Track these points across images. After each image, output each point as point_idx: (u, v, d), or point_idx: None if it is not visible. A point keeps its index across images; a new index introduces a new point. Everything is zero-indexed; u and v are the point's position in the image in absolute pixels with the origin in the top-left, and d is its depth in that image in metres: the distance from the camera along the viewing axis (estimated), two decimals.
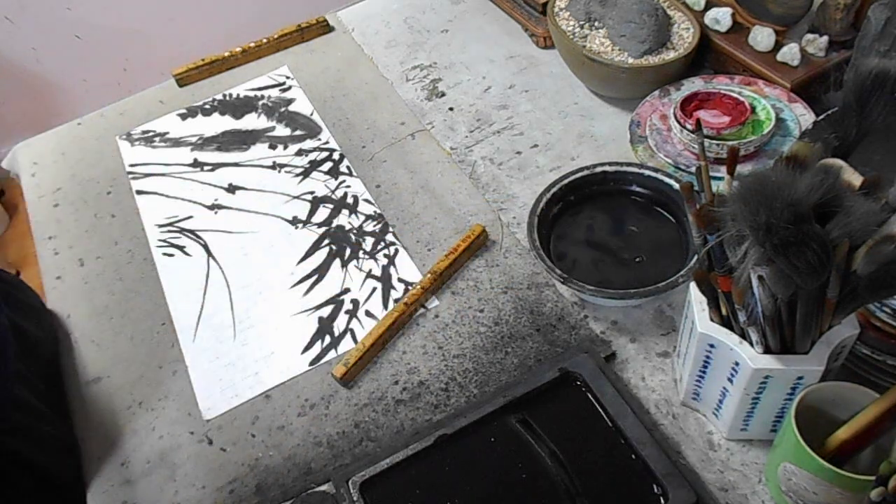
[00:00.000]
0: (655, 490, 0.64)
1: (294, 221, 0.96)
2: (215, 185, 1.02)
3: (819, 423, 0.60)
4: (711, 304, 0.62)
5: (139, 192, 1.02)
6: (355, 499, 0.67)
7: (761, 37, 0.93)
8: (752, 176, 0.52)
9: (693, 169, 0.86)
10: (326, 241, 0.93)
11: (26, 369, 0.80)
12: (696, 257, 0.70)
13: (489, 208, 0.93)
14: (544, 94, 1.07)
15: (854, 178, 0.55)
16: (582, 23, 1.02)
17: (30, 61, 2.05)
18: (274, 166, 1.03)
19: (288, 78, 1.16)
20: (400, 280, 0.87)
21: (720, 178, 0.79)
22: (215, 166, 1.05)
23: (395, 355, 0.81)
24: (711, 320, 0.62)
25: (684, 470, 0.66)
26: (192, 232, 0.96)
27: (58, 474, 0.79)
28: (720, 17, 0.96)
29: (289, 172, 1.02)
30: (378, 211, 0.95)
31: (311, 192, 0.99)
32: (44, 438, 0.79)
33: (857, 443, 0.58)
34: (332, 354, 0.82)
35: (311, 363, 0.81)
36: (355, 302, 0.86)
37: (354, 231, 0.93)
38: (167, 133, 1.10)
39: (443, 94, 1.09)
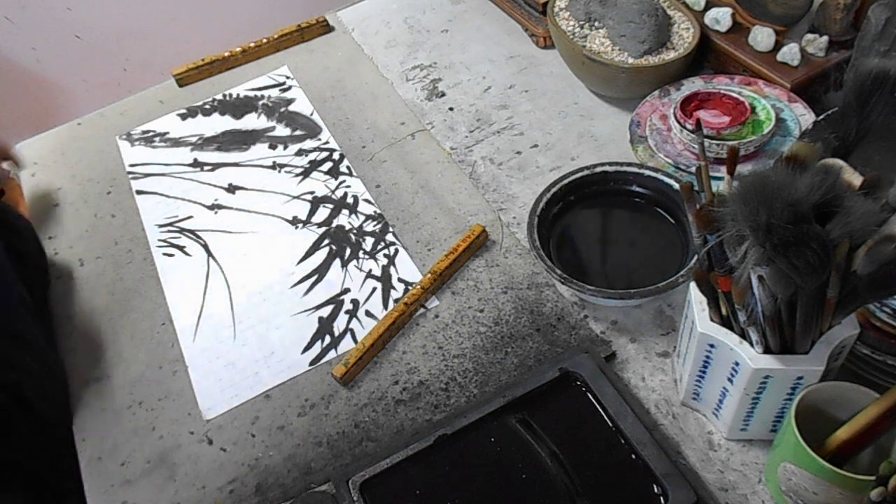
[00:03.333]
0: (655, 490, 0.64)
1: (294, 221, 0.96)
2: (215, 185, 1.02)
3: (819, 423, 0.60)
4: (711, 304, 0.62)
5: (139, 192, 1.02)
6: (355, 499, 0.67)
7: (761, 37, 0.93)
8: (752, 176, 0.52)
9: (693, 169, 0.86)
10: (326, 241, 0.93)
11: (27, 294, 0.79)
12: (696, 257, 0.70)
13: (489, 208, 0.93)
14: (544, 94, 1.07)
15: (854, 178, 0.55)
16: (582, 23, 1.02)
17: (30, 61, 2.04)
18: (274, 166, 1.03)
19: (288, 78, 1.16)
20: (400, 280, 0.87)
21: (720, 178, 0.79)
22: (215, 166, 1.05)
23: (395, 355, 0.81)
24: (711, 320, 0.62)
25: (684, 470, 0.66)
26: (192, 232, 0.96)
27: (48, 409, 0.79)
28: (720, 17, 0.96)
29: (289, 172, 1.02)
30: (378, 211, 0.95)
31: (311, 192, 0.99)
32: (37, 373, 0.78)
33: (857, 443, 0.58)
34: (332, 354, 0.82)
35: (311, 363, 0.81)
36: (355, 302, 0.86)
37: (354, 231, 0.93)
38: (167, 133, 1.10)
39: (443, 94, 1.09)
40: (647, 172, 0.84)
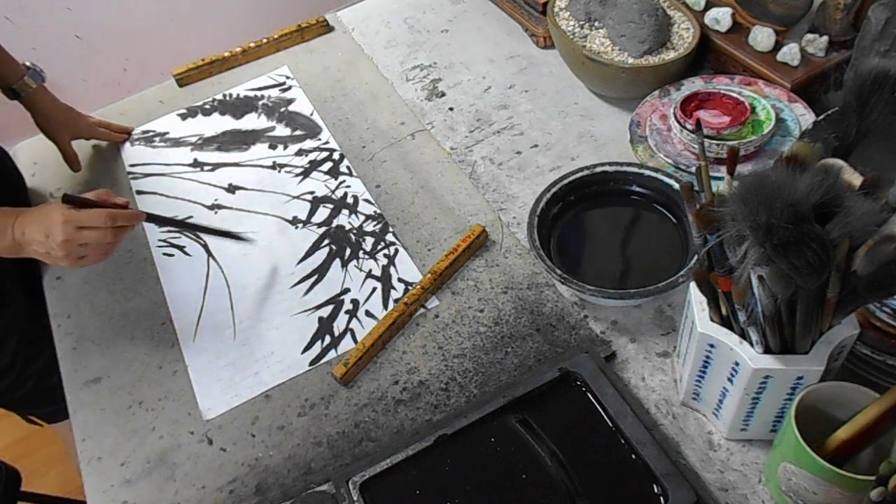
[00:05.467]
0: (655, 490, 0.64)
1: (294, 221, 0.96)
2: (215, 185, 1.02)
3: (819, 423, 0.60)
4: (711, 304, 0.62)
5: (139, 192, 1.02)
6: (355, 499, 0.67)
7: (761, 37, 0.93)
8: (752, 176, 0.52)
9: (693, 169, 0.86)
10: (326, 241, 0.93)
11: None
12: (696, 257, 0.70)
13: (489, 208, 0.93)
14: (544, 94, 1.07)
15: (854, 178, 0.55)
16: (582, 23, 1.02)
17: (30, 61, 2.05)
18: (274, 166, 1.03)
19: (288, 78, 1.16)
20: (400, 280, 0.87)
21: (720, 178, 0.79)
22: (215, 166, 1.05)
23: (395, 355, 0.81)
24: (711, 320, 0.62)
25: (684, 470, 0.66)
26: (192, 232, 0.96)
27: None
28: (720, 17, 0.96)
29: (289, 172, 1.02)
30: (378, 211, 0.95)
31: (311, 192, 0.99)
32: None
33: (857, 443, 0.58)
34: (332, 354, 0.82)
35: (311, 363, 0.81)
36: (355, 302, 0.86)
37: (354, 231, 0.93)
38: (167, 133, 1.10)
39: (443, 94, 1.09)
40: (647, 172, 0.84)
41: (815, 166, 0.55)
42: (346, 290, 0.87)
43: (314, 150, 1.05)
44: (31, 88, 1.00)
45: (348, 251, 0.91)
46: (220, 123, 1.11)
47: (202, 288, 0.90)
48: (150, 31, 2.10)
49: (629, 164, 0.85)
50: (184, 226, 0.93)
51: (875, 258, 0.51)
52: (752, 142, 0.84)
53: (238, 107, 1.13)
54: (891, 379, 0.65)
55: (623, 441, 0.68)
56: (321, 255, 0.91)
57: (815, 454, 0.56)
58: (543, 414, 0.71)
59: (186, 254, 0.94)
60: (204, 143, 1.08)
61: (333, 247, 0.92)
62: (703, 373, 0.66)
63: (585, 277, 0.77)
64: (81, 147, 1.10)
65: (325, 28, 1.24)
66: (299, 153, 1.04)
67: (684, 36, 0.99)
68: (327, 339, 0.83)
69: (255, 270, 0.91)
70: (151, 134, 1.11)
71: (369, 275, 0.88)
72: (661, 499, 0.64)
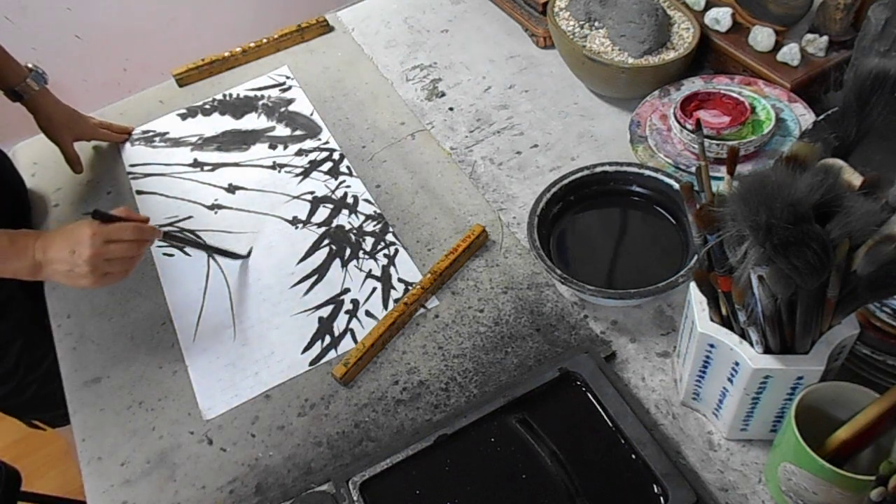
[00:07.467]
0: (655, 490, 0.64)
1: (294, 221, 0.96)
2: (215, 185, 1.02)
3: (819, 423, 0.60)
4: (711, 304, 0.62)
5: (139, 193, 1.02)
6: (355, 499, 0.67)
7: (761, 37, 0.93)
8: (752, 176, 0.52)
9: (693, 169, 0.86)
10: (326, 241, 0.93)
11: None
12: (696, 257, 0.70)
13: (489, 208, 0.93)
14: (544, 94, 1.07)
15: (854, 178, 0.55)
16: (582, 23, 1.02)
17: (30, 61, 2.05)
18: (274, 166, 1.03)
19: (288, 78, 1.16)
20: (400, 280, 0.87)
21: (720, 178, 0.79)
22: (215, 166, 1.05)
23: (395, 355, 0.81)
24: (711, 320, 0.62)
25: (684, 470, 0.66)
26: (192, 232, 0.96)
27: None
28: (720, 17, 0.96)
29: (289, 172, 1.02)
30: (378, 211, 0.95)
31: (311, 192, 0.99)
32: None
33: (857, 443, 0.58)
34: (332, 354, 0.82)
35: (311, 363, 0.81)
36: (355, 302, 0.86)
37: (354, 231, 0.93)
38: (167, 133, 1.10)
39: (443, 94, 1.09)
40: (647, 172, 0.84)
41: (815, 166, 0.55)
42: (346, 290, 0.87)
43: (314, 150, 1.05)
44: (33, 90, 1.00)
45: (348, 251, 0.91)
46: (220, 123, 1.11)
47: (202, 288, 0.90)
48: (150, 31, 2.10)
49: (629, 164, 0.85)
50: (190, 242, 0.92)
51: (875, 258, 0.51)
52: (752, 142, 0.84)
53: (238, 107, 1.13)
54: (891, 379, 0.65)
55: (623, 441, 0.68)
56: (321, 255, 0.91)
57: (815, 454, 0.56)
58: (543, 414, 0.71)
59: (186, 254, 0.94)
60: (204, 143, 1.08)
61: (333, 247, 0.92)
62: (703, 373, 0.66)
63: (585, 277, 0.77)
64: (81, 147, 1.10)
65: (325, 28, 1.24)
66: (299, 153, 1.04)
67: (684, 36, 0.99)
68: (327, 339, 0.83)
69: (255, 270, 0.91)
70: (151, 134, 1.11)
71: (369, 275, 0.88)
72: (661, 499, 0.64)
